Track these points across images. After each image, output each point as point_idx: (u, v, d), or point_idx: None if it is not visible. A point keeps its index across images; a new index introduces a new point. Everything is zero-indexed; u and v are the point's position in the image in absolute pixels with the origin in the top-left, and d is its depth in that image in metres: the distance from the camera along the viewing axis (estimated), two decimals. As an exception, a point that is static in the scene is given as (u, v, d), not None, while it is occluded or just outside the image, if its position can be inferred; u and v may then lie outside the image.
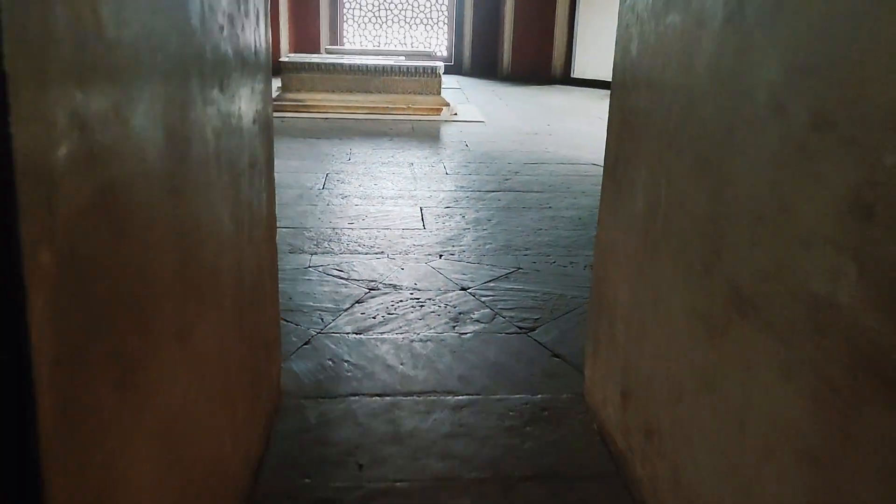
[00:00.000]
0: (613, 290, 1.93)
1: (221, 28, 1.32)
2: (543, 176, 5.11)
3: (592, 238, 3.75)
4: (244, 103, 1.59)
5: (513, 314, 2.79)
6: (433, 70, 7.39)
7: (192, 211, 1.16)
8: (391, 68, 7.34)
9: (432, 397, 2.18)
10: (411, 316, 2.75)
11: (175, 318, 1.08)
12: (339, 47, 9.91)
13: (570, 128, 7.09)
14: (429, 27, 11.88)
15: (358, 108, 7.28)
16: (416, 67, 7.37)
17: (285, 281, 3.04)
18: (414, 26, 11.89)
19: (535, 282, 3.14)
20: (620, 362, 1.85)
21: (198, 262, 1.21)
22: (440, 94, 7.49)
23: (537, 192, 4.68)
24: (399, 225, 3.90)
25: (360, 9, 11.76)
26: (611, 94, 2.04)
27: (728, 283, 1.24)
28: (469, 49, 11.19)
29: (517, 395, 2.21)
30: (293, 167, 5.15)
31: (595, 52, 10.64)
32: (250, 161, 1.71)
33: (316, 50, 10.40)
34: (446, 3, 11.70)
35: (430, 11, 11.82)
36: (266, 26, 1.84)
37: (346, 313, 2.75)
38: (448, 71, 11.20)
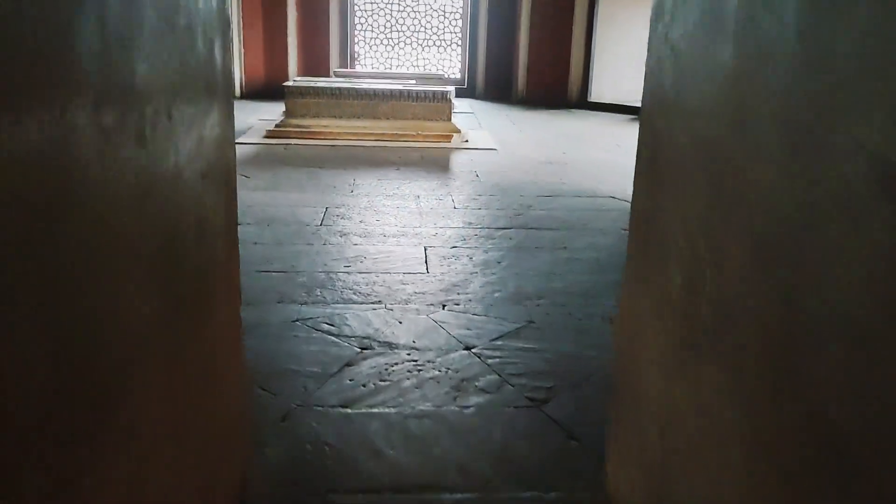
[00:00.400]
0: (642, 377, 1.58)
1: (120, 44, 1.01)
2: (558, 211, 4.78)
3: (612, 284, 3.41)
4: (186, 147, 1.28)
5: (523, 381, 2.45)
6: (444, 95, 7.11)
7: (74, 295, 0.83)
8: (400, 93, 7.06)
9: (426, 495, 1.84)
10: (407, 383, 2.41)
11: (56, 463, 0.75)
12: (348, 70, 9.67)
13: (587, 156, 6.76)
14: (442, 49, 11.64)
15: (366, 134, 6.99)
16: (426, 92, 7.09)
17: (269, 339, 2.72)
18: (427, 48, 11.66)
19: (548, 339, 2.80)
20: (654, 468, 1.51)
21: (84, 379, 0.88)
22: (451, 120, 7.19)
23: (552, 229, 4.34)
24: (400, 268, 3.58)
25: (372, 30, 11.55)
26: (640, 135, 1.71)
27: (809, 415, 0.90)
28: (483, 72, 10.92)
29: (526, 494, 1.86)
30: (292, 200, 4.85)
31: (613, 76, 10.34)
32: (197, 223, 1.39)
33: (325, 73, 10.17)
34: (460, 24, 11.47)
35: (444, 33, 11.58)
36: (224, 48, 1.53)
37: (333, 379, 2.42)
38: (461, 94, 10.94)
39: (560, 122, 8.93)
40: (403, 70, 11.54)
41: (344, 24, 10.63)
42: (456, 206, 4.83)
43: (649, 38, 1.67)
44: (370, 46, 11.61)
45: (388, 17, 11.52)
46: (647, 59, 1.68)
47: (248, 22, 9.85)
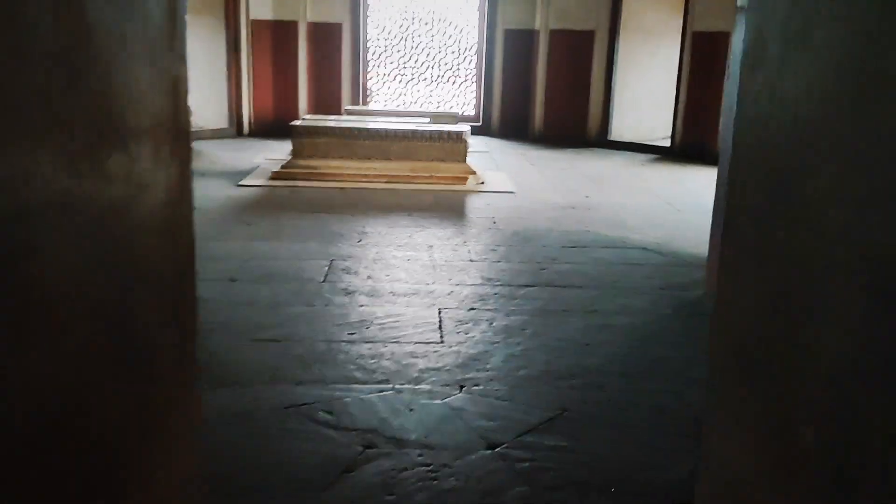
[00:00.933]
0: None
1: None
2: (585, 265, 4.35)
3: (654, 362, 2.97)
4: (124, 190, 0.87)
5: (561, 496, 2.01)
6: (459, 135, 6.74)
7: None
8: (413, 133, 6.70)
9: None
10: (419, 498, 1.98)
11: None
12: (360, 107, 9.36)
13: (611, 200, 6.35)
14: (456, 85, 11.34)
15: (376, 175, 6.63)
16: (440, 132, 6.72)
17: (255, 434, 2.30)
18: (441, 84, 11.38)
19: (587, 437, 2.36)
20: None
21: None
22: (466, 160, 6.82)
23: (579, 286, 3.92)
24: (411, 335, 3.16)
25: (385, 66, 11.28)
26: (730, 196, 1.28)
27: None
28: (498, 109, 10.59)
29: None
30: (294, 252, 4.45)
31: (633, 114, 9.98)
32: (138, 297, 0.99)
33: (337, 109, 9.87)
34: (475, 60, 11.18)
35: (458, 69, 11.30)
36: (174, 79, 1.14)
37: (326, 493, 1.99)
38: (476, 131, 10.61)
39: (580, 161, 8.55)
40: (417, 107, 11.24)
41: (356, 60, 10.35)
42: (473, 259, 4.43)
43: (741, 87, 1.26)
44: (383, 83, 11.33)
45: (402, 52, 11.26)
46: (738, 103, 1.28)
47: (257, 56, 9.59)
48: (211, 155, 7.99)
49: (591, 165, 8.24)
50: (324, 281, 3.89)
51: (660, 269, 4.31)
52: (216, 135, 9.46)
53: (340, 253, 4.45)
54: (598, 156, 9.02)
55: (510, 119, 10.51)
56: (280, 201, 5.89)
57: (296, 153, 6.73)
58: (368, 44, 11.05)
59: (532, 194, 6.48)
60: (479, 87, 11.16)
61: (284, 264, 4.16)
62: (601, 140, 9.78)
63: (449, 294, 3.74)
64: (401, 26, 11.17)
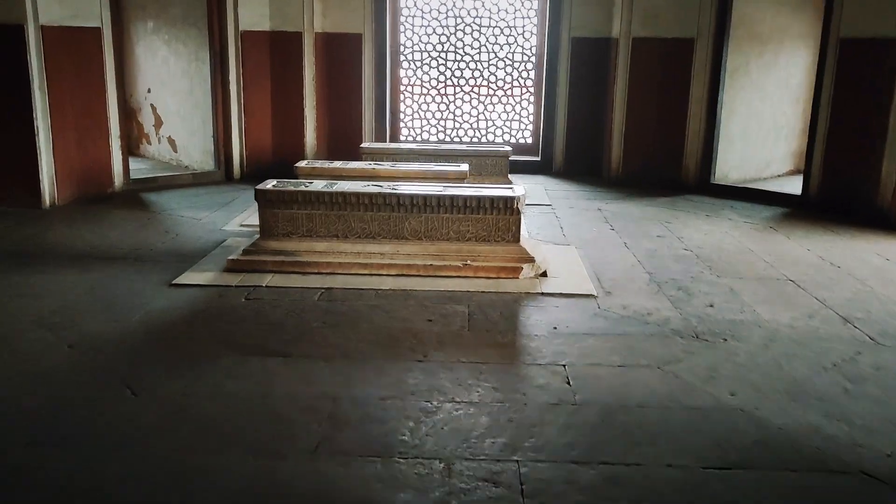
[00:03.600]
0: None
1: None
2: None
3: None
4: None
5: None
6: (508, 203, 4.45)
7: None
8: (439, 202, 4.44)
9: None
10: None
11: None
12: (378, 146, 7.09)
13: (762, 318, 3.96)
14: (510, 108, 9.05)
15: (382, 265, 4.40)
16: (479, 199, 4.44)
17: None
18: (491, 106, 9.09)
19: None
20: None
21: None
22: (519, 240, 4.53)
23: None
24: None
25: (421, 85, 9.05)
26: None
27: None
28: (563, 139, 8.24)
29: None
30: (184, 493, 2.24)
31: (744, 144, 7.53)
32: None
33: (356, 141, 7.70)
34: (533, 75, 8.87)
35: (512, 88, 9.00)
36: None
37: None
38: (534, 168, 8.30)
39: (680, 222, 6.13)
40: (459, 137, 9.01)
41: (380, 81, 8.13)
42: (528, 495, 2.14)
43: None
44: (418, 105, 9.11)
45: (443, 66, 9.02)
46: None
47: (250, 81, 7.46)
48: (168, 216, 5.87)
49: (699, 230, 5.82)
50: None
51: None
52: (199, 180, 7.37)
53: (274, 488, 2.21)
54: (701, 209, 6.58)
55: (579, 153, 8.16)
56: (219, 326, 3.68)
57: (265, 230, 4.55)
58: (400, 57, 8.85)
59: (622, 297, 4.14)
60: (538, 110, 8.84)
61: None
62: (702, 183, 7.35)
63: None
64: (440, 35, 8.94)
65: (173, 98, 7.91)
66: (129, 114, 8.69)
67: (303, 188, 4.51)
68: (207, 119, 7.46)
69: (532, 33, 8.79)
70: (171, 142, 8.08)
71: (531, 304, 4.03)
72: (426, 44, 8.96)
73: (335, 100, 7.87)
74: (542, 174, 8.16)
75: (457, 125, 9.13)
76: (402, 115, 9.02)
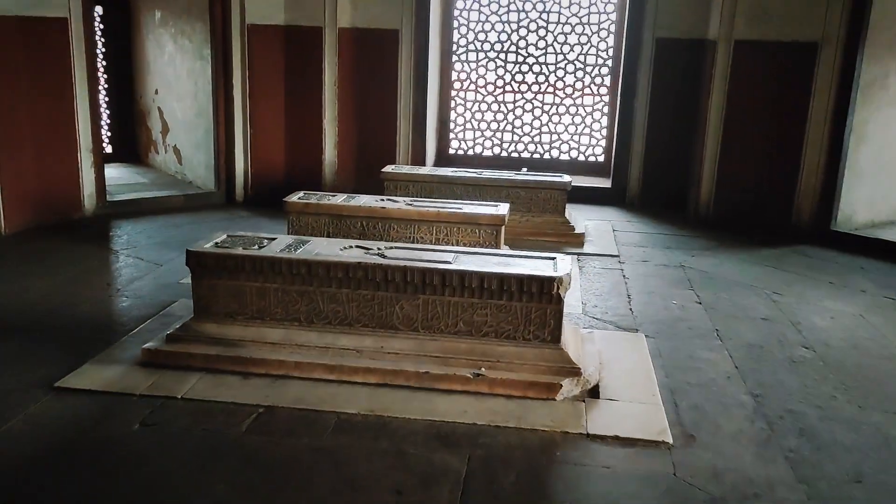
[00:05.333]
0: None
1: None
2: None
3: None
4: None
5: None
6: (545, 287, 3.01)
7: None
8: (444, 278, 3.05)
9: None
10: None
11: None
12: (402, 170, 5.66)
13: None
14: (578, 118, 7.56)
15: (357, 369, 3.05)
16: (503, 279, 3.02)
17: None
18: (555, 117, 7.62)
19: None
20: None
21: None
22: (560, 339, 3.09)
23: None
24: None
25: (475, 90, 7.66)
26: None
27: None
28: (640, 162, 6.70)
29: None
30: None
31: (876, 181, 5.85)
32: None
33: (387, 160, 6.39)
34: (608, 83, 7.36)
35: (582, 97, 7.51)
36: None
37: None
38: (601, 198, 6.81)
39: (798, 295, 4.54)
40: (511, 156, 7.61)
41: (422, 85, 6.77)
42: None
43: None
44: (471, 114, 7.73)
45: (502, 69, 7.61)
46: None
47: (258, 85, 6.22)
48: (124, 258, 4.67)
49: (822, 311, 4.22)
50: None
51: None
52: (192, 203, 6.20)
53: None
54: (822, 271, 4.96)
55: (659, 181, 6.61)
56: (67, 487, 2.38)
57: (200, 307, 3.25)
58: (451, 54, 7.49)
59: (712, 450, 2.66)
60: (612, 124, 7.33)
61: None
62: (820, 230, 5.71)
63: None
64: (500, 33, 7.53)
65: (179, 102, 6.78)
66: (137, 117, 7.64)
67: (254, 250, 3.19)
68: (211, 129, 6.28)
69: (609, 32, 7.29)
70: (177, 152, 6.96)
71: (569, 461, 2.60)
72: (483, 42, 7.57)
73: (362, 109, 6.56)
74: (611, 205, 6.66)
75: (515, 138, 7.72)
76: (451, 126, 7.65)
